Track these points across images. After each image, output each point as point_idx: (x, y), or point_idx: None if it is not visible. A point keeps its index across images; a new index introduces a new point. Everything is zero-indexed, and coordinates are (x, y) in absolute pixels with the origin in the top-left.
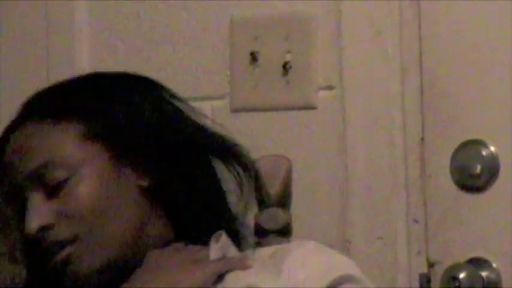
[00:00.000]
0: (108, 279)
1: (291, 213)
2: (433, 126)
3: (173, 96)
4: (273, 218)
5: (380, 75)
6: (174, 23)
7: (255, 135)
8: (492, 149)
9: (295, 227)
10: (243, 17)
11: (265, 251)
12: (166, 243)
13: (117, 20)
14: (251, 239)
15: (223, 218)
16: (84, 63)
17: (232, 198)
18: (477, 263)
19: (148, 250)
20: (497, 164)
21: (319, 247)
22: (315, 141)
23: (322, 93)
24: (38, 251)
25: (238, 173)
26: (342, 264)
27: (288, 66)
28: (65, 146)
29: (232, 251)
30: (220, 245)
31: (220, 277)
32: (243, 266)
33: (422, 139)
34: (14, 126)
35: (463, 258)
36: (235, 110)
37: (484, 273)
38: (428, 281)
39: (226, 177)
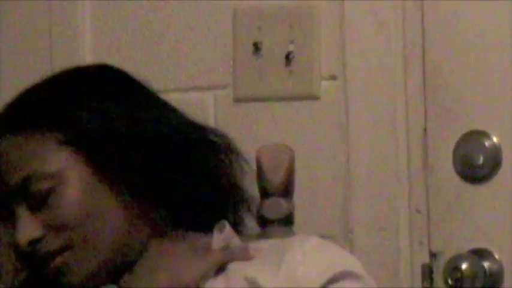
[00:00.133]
0: (105, 280)
1: (293, 202)
2: (436, 117)
3: (150, 92)
4: (275, 207)
5: (383, 66)
6: (177, 13)
7: (257, 125)
8: (495, 140)
9: (298, 217)
10: (246, 7)
11: (267, 243)
12: (164, 234)
13: (120, 10)
14: (254, 228)
15: (223, 208)
16: (87, 54)
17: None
18: (479, 253)
19: (146, 243)
20: (500, 155)
21: (321, 243)
22: (317, 131)
23: (325, 83)
24: (31, 262)
25: (230, 162)
26: (343, 261)
27: (291, 56)
28: (44, 157)
29: (235, 241)
30: (223, 236)
31: (221, 267)
32: (245, 257)
33: (425, 130)
34: None
35: (465, 248)
36: (238, 100)
37: (486, 264)
38: (431, 271)
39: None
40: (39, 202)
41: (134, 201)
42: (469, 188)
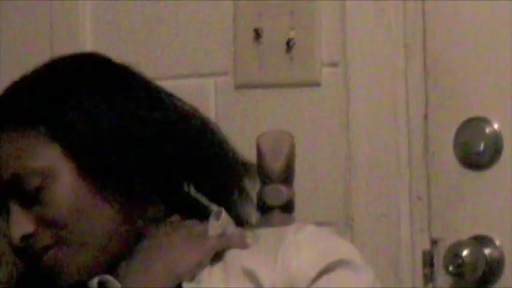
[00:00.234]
0: (100, 271)
1: (293, 189)
2: (437, 103)
3: (142, 82)
4: (276, 194)
5: (384, 52)
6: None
7: (258, 112)
8: (495, 126)
9: (298, 204)
10: None
11: (264, 231)
12: (159, 223)
13: None
14: (253, 215)
15: (218, 196)
16: (88, 41)
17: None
18: (480, 240)
19: (141, 234)
20: (501, 141)
21: (316, 232)
22: (318, 118)
23: (325, 70)
24: (25, 256)
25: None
26: (338, 250)
27: (291, 43)
28: (33, 153)
29: (231, 228)
30: (220, 223)
31: (218, 254)
32: (242, 245)
33: (426, 116)
34: None
35: (466, 235)
36: (239, 87)
37: (487, 251)
38: (431, 258)
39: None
40: (30, 198)
41: (126, 194)
42: (470, 175)
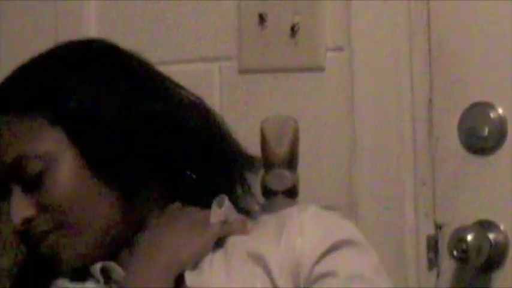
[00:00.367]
0: (101, 258)
1: (297, 174)
2: (441, 88)
3: (145, 68)
4: (279, 179)
5: (388, 37)
6: None
7: (262, 97)
8: (500, 111)
9: (302, 189)
10: None
11: (266, 217)
12: (161, 210)
13: None
14: (257, 200)
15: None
16: (92, 25)
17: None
18: (485, 225)
19: (143, 221)
20: (505, 126)
21: (319, 212)
22: (322, 103)
23: (330, 54)
24: (26, 240)
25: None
26: (341, 229)
27: (296, 27)
28: (35, 137)
29: (233, 215)
30: (223, 210)
31: (220, 241)
32: (244, 231)
33: (430, 101)
34: None
35: (470, 220)
36: (243, 71)
37: (491, 236)
38: (436, 243)
39: None
40: (31, 182)
41: (127, 181)
42: (475, 160)
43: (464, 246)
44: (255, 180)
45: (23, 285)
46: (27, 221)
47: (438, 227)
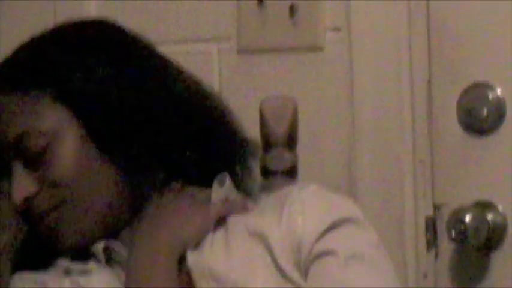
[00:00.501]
0: (103, 237)
1: (297, 154)
2: (440, 68)
3: (149, 50)
4: (279, 159)
5: (387, 17)
6: None
7: (261, 77)
8: (499, 92)
9: (301, 169)
10: None
11: (266, 197)
12: (163, 189)
13: None
14: (256, 180)
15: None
16: (92, 8)
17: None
18: (483, 205)
19: (145, 200)
20: (504, 107)
21: (319, 190)
22: (321, 83)
23: (329, 34)
24: (27, 218)
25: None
26: (341, 207)
27: (295, 7)
28: (38, 114)
29: (235, 195)
30: (224, 189)
31: (221, 220)
32: (245, 210)
33: (429, 81)
34: None
35: (469, 201)
36: (242, 52)
37: (490, 216)
38: (434, 223)
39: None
40: (34, 159)
41: (129, 160)
42: (473, 140)
43: (462, 227)
44: (254, 161)
45: (23, 265)
46: (29, 199)
47: (437, 207)
